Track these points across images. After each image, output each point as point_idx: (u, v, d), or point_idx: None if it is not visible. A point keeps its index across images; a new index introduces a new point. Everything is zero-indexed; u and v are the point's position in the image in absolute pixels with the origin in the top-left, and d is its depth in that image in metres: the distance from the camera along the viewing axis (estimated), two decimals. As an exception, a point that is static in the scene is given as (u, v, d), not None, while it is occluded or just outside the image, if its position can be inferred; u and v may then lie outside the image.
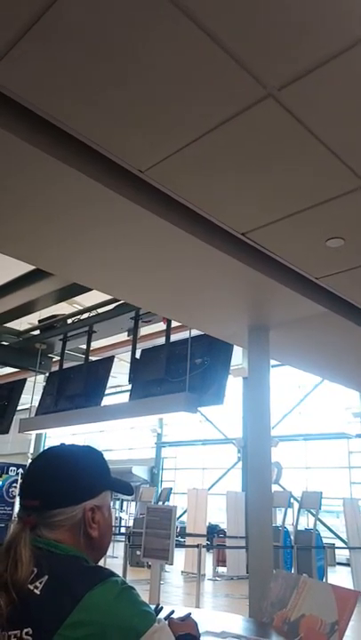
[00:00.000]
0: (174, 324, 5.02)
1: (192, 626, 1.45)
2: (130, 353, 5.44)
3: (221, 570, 10.43)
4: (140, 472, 17.68)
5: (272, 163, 2.09)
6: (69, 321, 6.05)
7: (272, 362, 3.91)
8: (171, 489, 12.34)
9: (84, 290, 4.39)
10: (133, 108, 1.82)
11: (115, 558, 9.74)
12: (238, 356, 5.42)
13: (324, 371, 4.93)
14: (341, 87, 1.70)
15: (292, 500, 10.24)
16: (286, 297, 3.10)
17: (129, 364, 5.46)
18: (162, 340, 5.33)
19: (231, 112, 1.83)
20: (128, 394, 5.34)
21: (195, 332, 4.71)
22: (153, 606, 2.38)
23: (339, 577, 10.21)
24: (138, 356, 5.36)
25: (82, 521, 1.06)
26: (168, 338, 5.10)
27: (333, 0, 1.42)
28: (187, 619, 1.52)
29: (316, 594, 2.28)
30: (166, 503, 10.52)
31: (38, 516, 1.03)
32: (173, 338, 5.14)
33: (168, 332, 5.11)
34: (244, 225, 2.56)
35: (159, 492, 12.47)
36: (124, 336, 5.90)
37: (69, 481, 1.08)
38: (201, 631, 1.50)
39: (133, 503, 15.77)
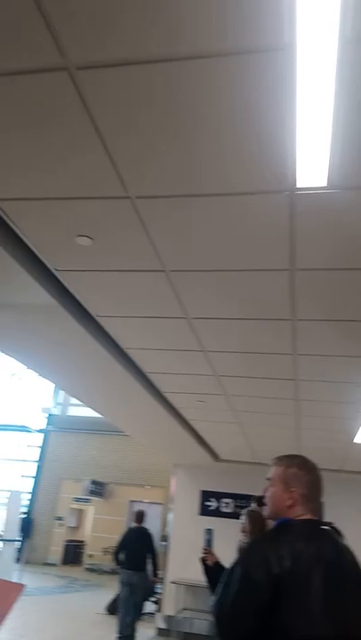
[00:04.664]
0: None
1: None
2: None
3: None
4: None
5: (43, 134, 1.98)
6: None
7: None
8: None
9: None
10: None
11: None
12: None
13: (39, 364, 4.83)
14: (139, 94, 1.76)
15: None
16: (21, 280, 2.96)
17: None
18: None
19: (22, 67, 1.70)
20: None
21: None
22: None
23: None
24: None
25: None
26: None
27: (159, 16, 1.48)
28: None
29: (-23, 587, 2.21)
30: None
31: None
32: None
33: None
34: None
35: None
36: None
37: None
38: None
39: None
